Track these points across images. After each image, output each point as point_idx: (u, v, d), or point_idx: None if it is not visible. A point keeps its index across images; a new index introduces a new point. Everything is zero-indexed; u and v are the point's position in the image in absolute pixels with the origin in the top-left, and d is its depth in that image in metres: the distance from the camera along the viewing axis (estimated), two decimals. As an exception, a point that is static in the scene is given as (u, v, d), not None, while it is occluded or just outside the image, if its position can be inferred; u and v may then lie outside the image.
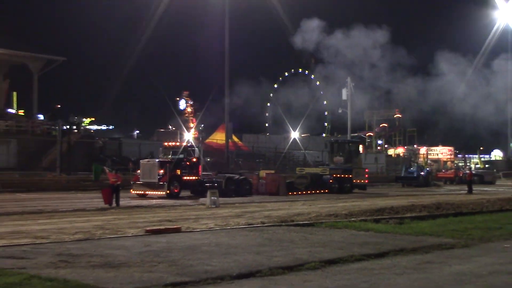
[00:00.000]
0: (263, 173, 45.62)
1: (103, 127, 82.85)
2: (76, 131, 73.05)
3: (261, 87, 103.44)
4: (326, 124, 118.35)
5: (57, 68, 76.95)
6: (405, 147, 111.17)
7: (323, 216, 26.31)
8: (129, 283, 11.69)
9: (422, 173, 66.78)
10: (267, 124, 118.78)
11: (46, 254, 14.98)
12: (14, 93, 77.00)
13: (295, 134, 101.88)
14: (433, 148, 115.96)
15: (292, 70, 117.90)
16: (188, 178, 39.53)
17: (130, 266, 13.55)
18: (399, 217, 26.52)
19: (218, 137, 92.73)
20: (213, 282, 12.12)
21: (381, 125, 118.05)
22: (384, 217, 26.58)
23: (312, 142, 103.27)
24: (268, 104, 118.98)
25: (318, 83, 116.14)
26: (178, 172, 39.09)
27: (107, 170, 38.53)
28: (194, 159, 40.31)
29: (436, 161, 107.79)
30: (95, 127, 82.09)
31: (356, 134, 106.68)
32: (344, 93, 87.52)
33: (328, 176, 47.40)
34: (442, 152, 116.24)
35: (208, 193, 34.27)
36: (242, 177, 43.19)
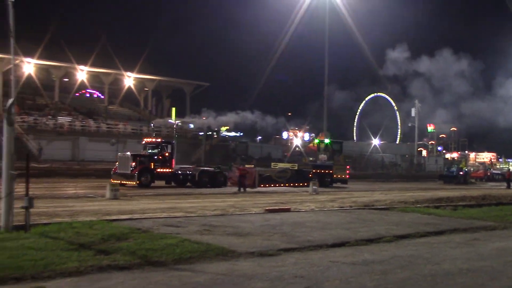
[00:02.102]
0: (244, 167, 40.05)
1: (235, 134, 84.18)
2: (215, 136, 75.21)
3: (350, 104, 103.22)
4: (399, 133, 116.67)
5: (203, 91, 79.59)
6: (459, 152, 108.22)
7: (396, 203, 26.28)
8: (253, 247, 12.34)
9: (461, 173, 63.72)
10: (354, 132, 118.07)
11: (194, 224, 15.77)
12: (174, 108, 79.54)
13: (375, 141, 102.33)
14: (479, 153, 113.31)
15: (375, 93, 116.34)
16: (161, 170, 35.58)
17: (253, 235, 14.23)
18: (453, 204, 26.86)
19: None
20: (314, 249, 12.66)
21: (440, 136, 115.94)
22: (442, 204, 26.87)
23: (388, 147, 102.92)
24: (356, 118, 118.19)
25: (394, 104, 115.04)
26: (152, 165, 35.26)
27: (234, 167, 39.76)
28: (167, 154, 36.25)
29: (482, 163, 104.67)
30: (229, 133, 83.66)
31: (421, 142, 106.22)
32: (413, 111, 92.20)
33: (308, 171, 43.30)
34: (487, 157, 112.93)
35: (311, 183, 34.91)
36: (217, 170, 39.13)
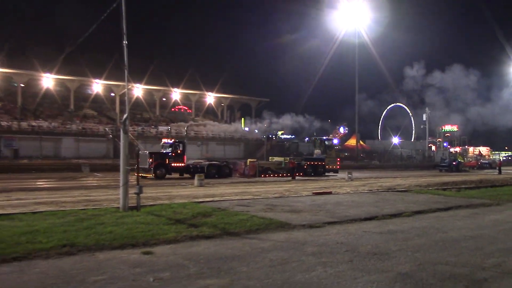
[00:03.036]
0: (248, 161, 38.28)
1: (289, 136, 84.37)
2: (274, 138, 75.44)
3: (375, 110, 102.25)
4: (413, 133, 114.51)
5: (265, 104, 79.91)
6: (460, 147, 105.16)
7: (412, 186, 25.74)
8: (304, 221, 12.32)
9: (454, 163, 58.93)
10: (379, 133, 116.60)
11: (259, 204, 15.84)
12: (243, 119, 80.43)
13: (395, 139, 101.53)
14: (476, 147, 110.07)
15: (395, 103, 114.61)
16: (175, 165, 33.29)
17: (304, 212, 14.19)
18: (457, 187, 26.19)
19: (352, 141, 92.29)
20: (350, 222, 12.57)
21: (446, 135, 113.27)
22: (448, 187, 26.13)
23: (405, 144, 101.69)
24: (380, 121, 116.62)
25: (409, 111, 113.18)
26: (167, 160, 33.03)
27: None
28: (179, 151, 33.66)
29: (480, 155, 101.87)
30: (284, 136, 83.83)
31: (431, 139, 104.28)
32: (424, 116, 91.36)
33: (304, 163, 40.32)
34: (482, 150, 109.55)
35: (347, 173, 34.52)
36: (223, 164, 36.17)
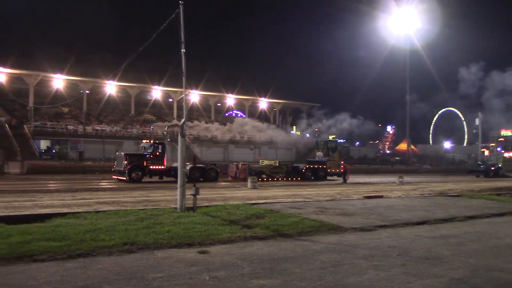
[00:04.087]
0: (240, 164, 35.15)
1: (340, 140, 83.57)
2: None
3: (427, 113, 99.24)
4: (466, 138, 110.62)
5: (316, 109, 79.32)
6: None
7: (465, 191, 24.90)
8: (356, 224, 12.15)
9: (492, 168, 52.80)
10: (430, 137, 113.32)
11: (311, 206, 15.74)
12: (294, 126, 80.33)
13: (447, 144, 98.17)
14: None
15: (447, 107, 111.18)
16: (154, 167, 30.01)
17: (356, 215, 13.98)
18: (512, 192, 24.95)
19: (403, 146, 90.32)
20: (402, 226, 12.28)
21: (500, 139, 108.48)
22: (502, 192, 24.93)
23: (457, 149, 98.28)
24: (432, 125, 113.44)
25: (461, 116, 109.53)
26: (144, 163, 29.89)
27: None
28: (158, 153, 30.40)
29: None
30: (335, 140, 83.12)
31: (484, 144, 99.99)
32: (477, 121, 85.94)
33: (301, 166, 36.99)
34: None
35: (397, 176, 33.70)
36: (209, 167, 32.43)
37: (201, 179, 30.44)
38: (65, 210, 13.64)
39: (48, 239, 8.99)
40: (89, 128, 56.85)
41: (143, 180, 29.40)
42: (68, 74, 57.84)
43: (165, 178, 30.40)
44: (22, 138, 49.52)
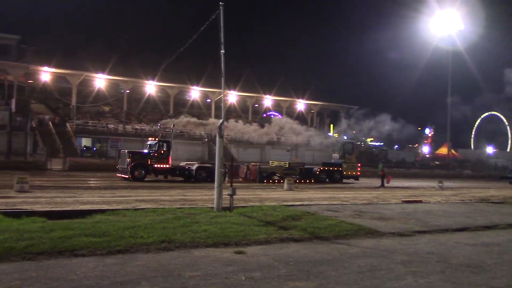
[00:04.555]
0: (251, 164, 34.02)
1: (378, 143, 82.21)
2: (362, 145, 74.01)
3: (468, 117, 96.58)
4: (509, 143, 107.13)
5: (354, 111, 78.57)
6: None
7: (508, 198, 24.07)
8: (393, 229, 11.96)
9: None
10: (472, 141, 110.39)
11: (348, 210, 15.58)
12: (332, 125, 79.69)
13: (489, 149, 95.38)
14: None
15: (489, 112, 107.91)
16: (158, 166, 29.19)
17: (393, 219, 13.76)
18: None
19: (443, 150, 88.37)
20: (441, 232, 12.02)
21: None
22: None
23: (500, 154, 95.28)
24: (473, 130, 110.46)
25: (505, 120, 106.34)
26: (148, 161, 29.03)
27: (380, 166, 37.01)
28: (162, 151, 29.42)
29: None
30: (373, 143, 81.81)
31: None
32: None
33: (315, 168, 35.54)
34: None
35: (437, 181, 33.01)
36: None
37: (209, 179, 28.50)
38: (104, 206, 13.95)
39: (89, 234, 9.20)
40: (129, 127, 57.91)
41: (146, 179, 28.69)
42: (109, 74, 59.11)
43: (173, 178, 30.06)
44: (65, 136, 50.83)
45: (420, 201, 20.43)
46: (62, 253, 7.97)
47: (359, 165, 38.40)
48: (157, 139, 30.85)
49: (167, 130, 37.66)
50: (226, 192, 13.83)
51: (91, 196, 17.70)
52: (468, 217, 15.32)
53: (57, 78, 58.90)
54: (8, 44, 57.67)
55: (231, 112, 71.76)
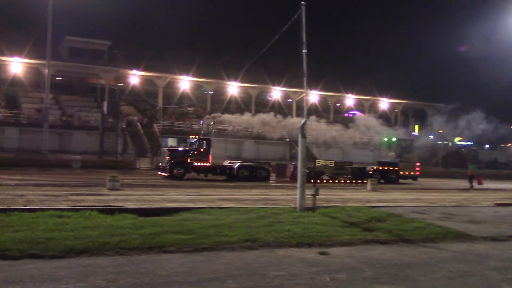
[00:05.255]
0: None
1: (467, 143, 78.29)
2: (450, 145, 70.90)
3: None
4: None
5: (441, 110, 75.53)
6: None
7: None
8: (485, 233, 11.35)
9: None
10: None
11: (435, 212, 15.00)
12: (416, 126, 77.16)
13: None
14: None
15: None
16: (198, 164, 28.46)
17: (485, 223, 13.09)
18: None
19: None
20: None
21: None
22: None
23: None
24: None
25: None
26: (188, 159, 28.35)
27: (471, 168, 34.30)
28: (202, 149, 28.67)
29: None
30: (461, 142, 78.05)
31: None
32: None
33: (368, 168, 33.71)
34: None
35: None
36: (260, 166, 30.44)
37: (250, 179, 28.90)
38: (190, 205, 14.39)
39: (176, 232, 9.50)
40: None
41: (186, 177, 28.25)
42: (193, 75, 60.87)
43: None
44: (152, 136, 52.95)
45: (516, 204, 19.19)
46: (151, 249, 8.29)
47: (418, 164, 36.25)
48: (196, 136, 30.70)
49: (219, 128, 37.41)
50: (308, 193, 13.77)
51: (177, 194, 18.30)
52: None
53: (145, 81, 61.44)
54: (100, 50, 60.94)
55: (312, 112, 71.47)
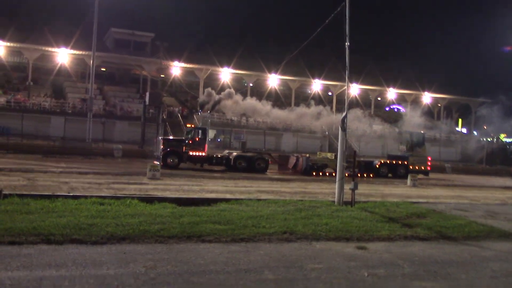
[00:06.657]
0: (300, 156, 30.36)
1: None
2: (495, 141, 68.76)
3: None
4: None
5: (489, 105, 73.24)
6: None
7: None
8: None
9: None
10: None
11: (478, 210, 14.66)
12: (460, 120, 75.15)
13: None
14: None
15: None
16: (193, 153, 27.80)
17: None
18: None
19: None
20: None
21: None
22: None
23: None
24: None
25: None
26: (183, 148, 27.75)
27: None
28: (197, 139, 28.06)
29: None
30: (507, 139, 75.50)
31: None
32: None
33: (376, 161, 32.26)
34: None
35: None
36: (258, 156, 29.40)
37: (248, 169, 27.97)
38: (228, 196, 14.48)
39: (214, 222, 9.58)
40: (251, 120, 59.42)
41: (180, 166, 27.74)
42: (234, 67, 61.13)
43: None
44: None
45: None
46: (190, 238, 8.38)
47: (429, 158, 34.92)
48: (192, 125, 30.34)
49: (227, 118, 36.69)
50: (347, 187, 13.63)
51: (215, 185, 18.44)
52: None
53: (186, 72, 62.13)
54: (143, 41, 61.95)
55: (353, 105, 70.68)
